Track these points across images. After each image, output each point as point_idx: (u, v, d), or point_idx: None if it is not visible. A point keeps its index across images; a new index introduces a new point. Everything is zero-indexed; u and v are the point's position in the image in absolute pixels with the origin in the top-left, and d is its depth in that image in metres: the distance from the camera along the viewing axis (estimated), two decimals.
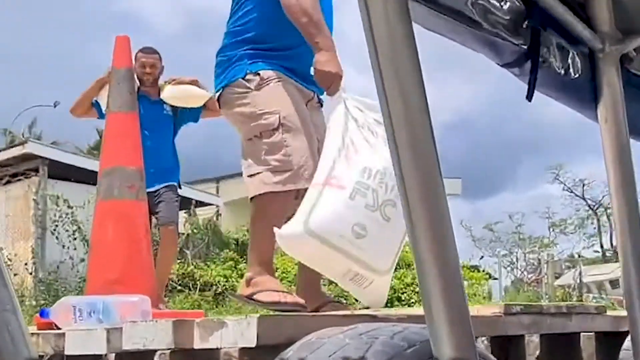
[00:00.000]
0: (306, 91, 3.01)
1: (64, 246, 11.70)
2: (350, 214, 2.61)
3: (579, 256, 27.33)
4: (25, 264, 11.47)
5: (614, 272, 22.22)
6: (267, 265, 2.88)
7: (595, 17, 1.62)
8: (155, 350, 2.08)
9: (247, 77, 2.90)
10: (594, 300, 15.69)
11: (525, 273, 25.13)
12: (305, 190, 2.78)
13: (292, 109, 2.88)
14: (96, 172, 11.47)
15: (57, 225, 11.86)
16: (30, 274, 11.38)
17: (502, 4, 1.39)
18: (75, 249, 11.81)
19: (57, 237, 11.79)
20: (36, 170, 12.95)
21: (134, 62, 4.41)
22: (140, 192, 3.03)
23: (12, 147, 13.96)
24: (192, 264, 11.96)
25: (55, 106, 21.66)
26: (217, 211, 14.92)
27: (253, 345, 1.70)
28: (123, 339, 2.01)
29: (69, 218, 11.93)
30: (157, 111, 4.67)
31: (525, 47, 1.50)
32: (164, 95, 4.63)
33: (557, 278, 21.85)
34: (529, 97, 1.57)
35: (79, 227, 11.94)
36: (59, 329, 2.59)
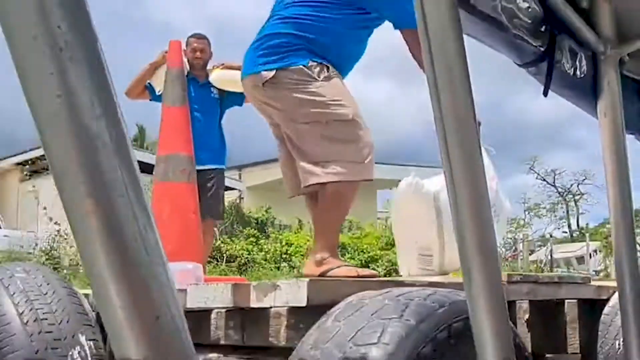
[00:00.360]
0: None
1: None
2: None
3: (550, 236, 27.36)
4: None
5: (580, 250, 22.32)
6: (334, 249, 2.69)
7: (599, 24, 1.62)
8: (211, 310, 2.07)
9: (310, 65, 2.65)
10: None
11: (503, 250, 25.13)
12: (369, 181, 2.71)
13: (358, 106, 2.72)
14: (139, 162, 11.78)
15: None
16: None
17: (525, 9, 1.39)
18: None
19: None
20: None
21: (184, 47, 4.24)
22: (191, 175, 3.00)
23: None
24: (220, 240, 11.96)
25: None
26: (240, 195, 14.93)
27: (303, 305, 1.67)
28: (187, 299, 2.00)
29: None
30: (206, 93, 4.35)
31: (542, 49, 1.49)
32: (212, 78, 4.29)
33: (530, 254, 21.86)
34: (545, 93, 1.57)
35: None
36: None
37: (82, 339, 2.04)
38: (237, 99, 4.34)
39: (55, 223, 11.28)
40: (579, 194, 33.33)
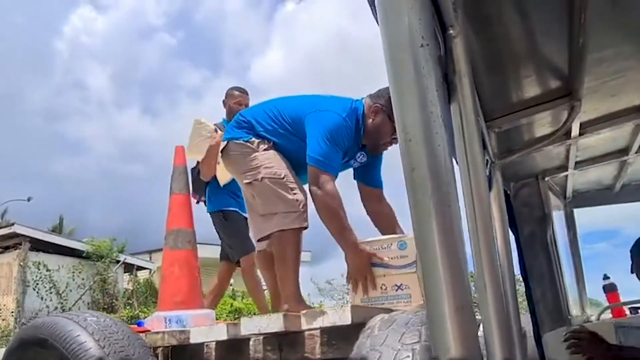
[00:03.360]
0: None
1: (42, 298, 10.53)
2: None
3: None
4: (12, 312, 10.15)
5: None
6: (295, 297, 2.34)
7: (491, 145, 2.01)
8: (249, 339, 2.08)
9: (251, 140, 2.48)
10: None
11: None
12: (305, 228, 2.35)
13: (290, 171, 2.43)
14: (61, 246, 10.75)
15: (37, 284, 10.68)
16: (15, 319, 10.06)
17: None
18: (51, 300, 10.65)
19: (37, 292, 10.59)
20: (20, 244, 11.69)
21: (225, 98, 3.78)
22: (194, 245, 3.01)
23: (2, 227, 12.54)
24: (138, 309, 11.12)
25: (29, 200, 19.53)
26: (151, 272, 14.04)
27: (348, 323, 1.75)
28: (241, 329, 1.99)
29: (47, 278, 10.81)
30: None
31: None
32: None
33: None
34: None
35: (54, 284, 10.84)
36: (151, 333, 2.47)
37: None
38: None
39: None
40: None
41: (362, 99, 2.50)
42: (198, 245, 3.40)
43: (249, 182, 2.46)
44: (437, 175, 0.70)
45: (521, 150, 2.30)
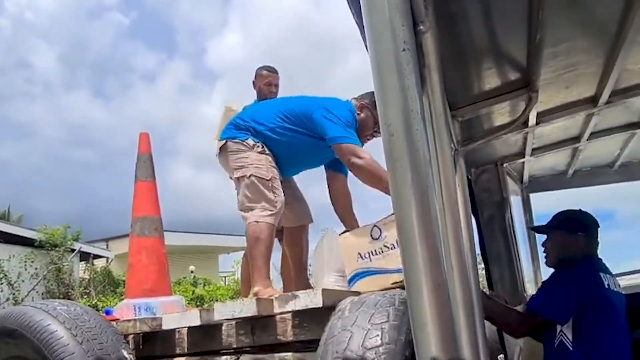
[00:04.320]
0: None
1: None
2: None
3: None
4: None
5: None
6: (267, 279, 2.54)
7: (455, 133, 2.11)
8: (222, 324, 2.12)
9: (248, 140, 2.69)
10: None
11: None
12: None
13: (277, 174, 2.67)
14: (12, 235, 10.34)
15: None
16: None
17: None
18: (1, 291, 10.29)
19: None
20: None
21: (254, 79, 3.59)
22: (161, 232, 3.00)
23: None
24: (96, 299, 10.89)
25: None
26: (108, 260, 13.72)
27: (320, 306, 1.82)
28: (214, 314, 2.01)
29: None
30: None
31: None
32: None
33: None
34: None
35: (5, 275, 10.48)
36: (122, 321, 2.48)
37: (125, 353, 2.01)
38: None
39: None
40: None
41: (348, 100, 2.81)
42: (165, 233, 3.41)
43: (238, 178, 2.66)
44: (417, 167, 0.78)
45: (482, 138, 2.44)
